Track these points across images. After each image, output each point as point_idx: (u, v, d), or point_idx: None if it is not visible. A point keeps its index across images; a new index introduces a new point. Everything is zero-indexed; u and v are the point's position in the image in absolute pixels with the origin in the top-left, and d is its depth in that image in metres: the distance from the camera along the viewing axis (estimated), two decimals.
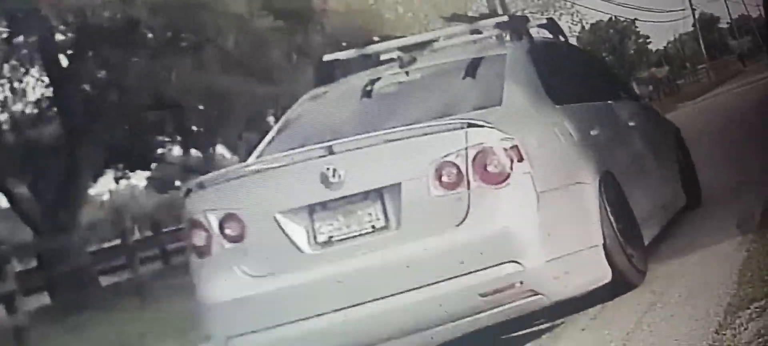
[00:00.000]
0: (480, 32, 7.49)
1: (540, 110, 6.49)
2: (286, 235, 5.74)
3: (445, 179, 5.66)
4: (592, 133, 6.82)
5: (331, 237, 5.74)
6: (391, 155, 5.74)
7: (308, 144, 6.04)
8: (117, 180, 27.47)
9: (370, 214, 5.72)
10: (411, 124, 5.96)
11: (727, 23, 71.52)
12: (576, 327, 5.95)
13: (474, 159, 5.66)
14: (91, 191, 26.54)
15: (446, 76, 6.85)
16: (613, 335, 5.46)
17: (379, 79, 7.02)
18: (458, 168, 5.65)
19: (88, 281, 19.18)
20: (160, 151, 25.97)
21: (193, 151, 26.98)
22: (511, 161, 5.70)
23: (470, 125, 5.72)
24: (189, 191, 6.02)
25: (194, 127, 25.23)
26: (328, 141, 5.84)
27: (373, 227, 5.72)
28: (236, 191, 5.89)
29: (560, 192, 6.01)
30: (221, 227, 5.86)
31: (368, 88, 6.92)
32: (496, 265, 5.59)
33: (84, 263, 19.47)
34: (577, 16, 45.92)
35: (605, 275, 6.08)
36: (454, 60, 7.02)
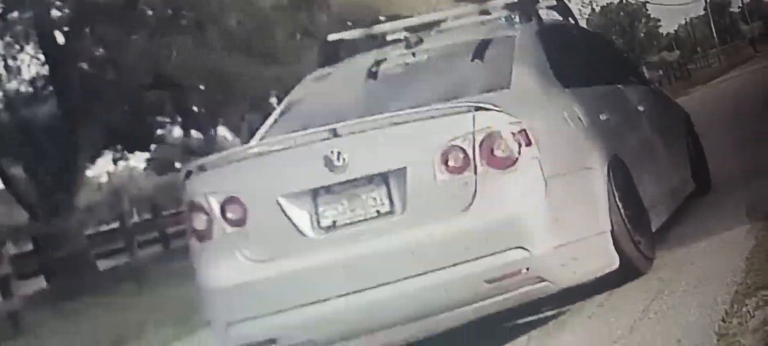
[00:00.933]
0: (489, 13, 7.38)
1: (549, 94, 6.40)
2: (289, 219, 5.65)
3: (451, 163, 5.58)
4: (602, 117, 6.75)
5: (335, 222, 5.65)
6: (397, 139, 5.67)
7: (312, 126, 5.94)
8: (115, 161, 27.47)
9: (374, 198, 5.63)
10: (417, 107, 5.87)
11: (739, 7, 71.43)
12: (583, 314, 5.91)
13: (481, 143, 5.57)
14: (89, 173, 26.48)
15: (454, 57, 6.77)
16: (620, 323, 5.42)
17: (385, 60, 6.93)
18: (465, 152, 5.56)
19: (85, 265, 19.08)
20: (159, 132, 25.89)
21: (194, 133, 26.88)
22: (519, 146, 5.62)
23: (477, 109, 5.64)
24: (189, 173, 5.94)
25: (195, 108, 25.14)
26: (333, 123, 5.75)
27: (377, 212, 5.63)
28: (238, 173, 5.81)
29: (568, 177, 5.94)
30: (222, 211, 5.77)
31: (374, 69, 6.84)
32: (503, 251, 5.53)
33: (81, 247, 19.35)
34: None
35: (613, 262, 6.02)
36: (462, 41, 6.93)
